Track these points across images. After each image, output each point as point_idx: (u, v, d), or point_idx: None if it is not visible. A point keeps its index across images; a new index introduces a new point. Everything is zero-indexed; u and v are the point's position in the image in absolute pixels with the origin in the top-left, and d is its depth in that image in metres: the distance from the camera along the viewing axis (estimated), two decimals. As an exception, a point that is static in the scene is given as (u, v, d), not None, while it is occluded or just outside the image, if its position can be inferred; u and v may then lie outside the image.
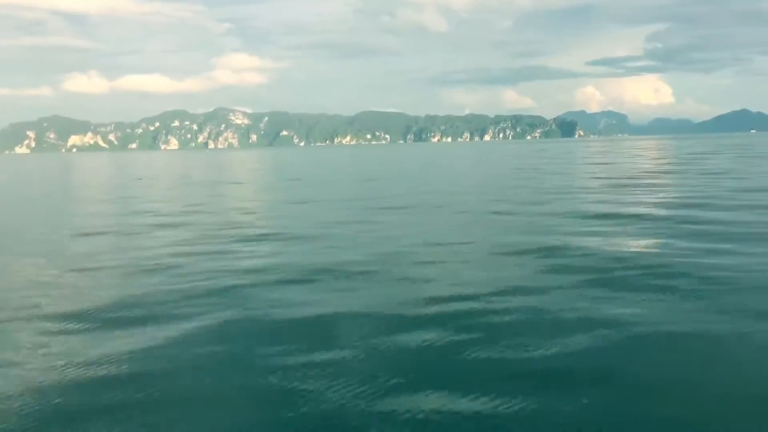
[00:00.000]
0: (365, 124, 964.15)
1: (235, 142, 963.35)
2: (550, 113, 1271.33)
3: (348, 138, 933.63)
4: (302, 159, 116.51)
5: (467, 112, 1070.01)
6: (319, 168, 68.99)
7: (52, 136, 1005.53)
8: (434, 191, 30.89)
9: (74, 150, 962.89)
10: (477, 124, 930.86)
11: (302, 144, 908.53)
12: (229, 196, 33.73)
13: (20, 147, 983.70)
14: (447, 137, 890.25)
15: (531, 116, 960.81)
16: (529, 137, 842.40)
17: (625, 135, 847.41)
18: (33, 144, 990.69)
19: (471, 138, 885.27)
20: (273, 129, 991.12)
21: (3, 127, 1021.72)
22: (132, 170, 78.96)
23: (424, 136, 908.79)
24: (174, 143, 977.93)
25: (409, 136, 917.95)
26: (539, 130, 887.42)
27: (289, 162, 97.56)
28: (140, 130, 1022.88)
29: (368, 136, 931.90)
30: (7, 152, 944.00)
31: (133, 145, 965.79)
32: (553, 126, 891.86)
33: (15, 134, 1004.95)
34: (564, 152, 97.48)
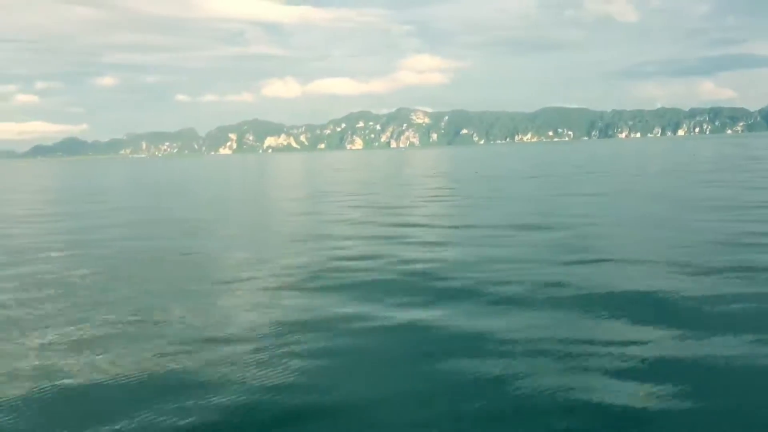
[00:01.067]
0: (547, 120, 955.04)
1: (416, 141, 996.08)
2: (754, 105, 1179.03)
3: (529, 135, 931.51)
4: (517, 155, 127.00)
5: (658, 105, 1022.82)
6: (556, 165, 72.02)
7: (250, 138, 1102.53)
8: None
9: (270, 150, 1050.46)
10: (669, 119, 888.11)
11: (482, 142, 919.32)
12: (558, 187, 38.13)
13: (224, 148, 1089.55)
14: (635, 133, 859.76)
15: (732, 108, 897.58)
16: (729, 131, 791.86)
17: None
18: (234, 146, 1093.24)
19: (662, 133, 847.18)
20: (453, 128, 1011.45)
21: (210, 130, 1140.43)
22: (395, 166, 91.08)
23: (610, 132, 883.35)
24: (359, 143, 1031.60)
25: (593, 133, 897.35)
26: (741, 123, 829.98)
27: (515, 157, 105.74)
28: (328, 131, 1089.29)
29: (550, 133, 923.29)
30: (213, 153, 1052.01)
31: (322, 146, 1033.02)
32: (758, 118, 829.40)
33: (220, 137, 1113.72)
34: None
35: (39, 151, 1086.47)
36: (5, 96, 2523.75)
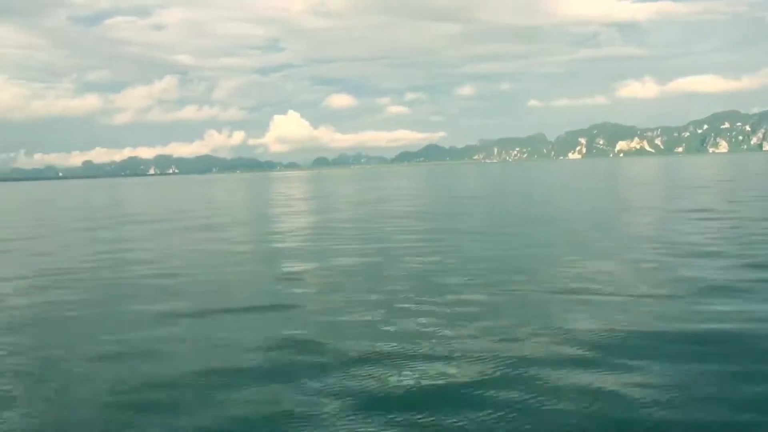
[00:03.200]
0: None
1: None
2: None
3: None
4: None
5: None
6: None
7: (600, 142, 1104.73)
8: None
9: (621, 155, 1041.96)
10: None
11: None
12: None
13: (573, 153, 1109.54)
14: None
15: None
16: None
17: None
18: (584, 150, 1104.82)
19: None
20: None
21: (559, 135, 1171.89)
22: None
23: None
24: (723, 146, 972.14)
25: None
26: None
27: None
28: (687, 134, 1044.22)
29: None
30: (561, 158, 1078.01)
31: (679, 149, 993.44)
32: None
33: (569, 141, 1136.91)
34: None
35: (404, 157, 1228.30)
36: (380, 108, 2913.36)
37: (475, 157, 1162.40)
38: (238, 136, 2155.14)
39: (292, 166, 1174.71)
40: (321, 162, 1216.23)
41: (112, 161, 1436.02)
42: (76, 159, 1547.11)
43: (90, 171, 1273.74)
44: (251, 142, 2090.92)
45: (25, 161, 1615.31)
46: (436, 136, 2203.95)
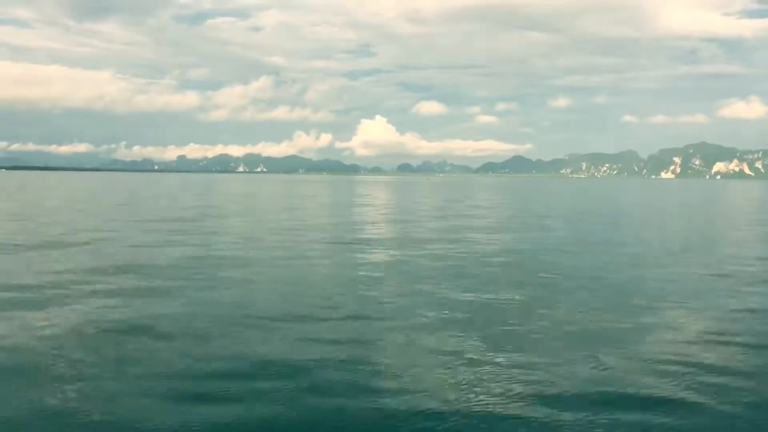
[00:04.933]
0: None
1: None
2: None
3: None
4: None
5: None
6: None
7: (696, 162, 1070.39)
8: None
9: (717, 177, 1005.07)
10: None
11: None
12: None
13: (665, 172, 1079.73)
14: None
15: None
16: None
17: None
18: (677, 170, 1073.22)
19: None
20: None
21: (652, 152, 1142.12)
22: None
23: None
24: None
25: None
26: None
27: None
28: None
29: None
30: (653, 177, 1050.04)
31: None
32: None
33: (662, 160, 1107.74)
34: None
35: (489, 167, 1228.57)
36: (469, 117, 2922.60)
37: (563, 171, 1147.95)
38: (326, 138, 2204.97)
39: (375, 170, 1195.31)
40: (405, 168, 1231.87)
41: (204, 157, 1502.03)
42: (171, 153, 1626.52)
43: (183, 165, 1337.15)
44: (338, 144, 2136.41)
45: (124, 153, 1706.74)
46: (524, 148, 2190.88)
